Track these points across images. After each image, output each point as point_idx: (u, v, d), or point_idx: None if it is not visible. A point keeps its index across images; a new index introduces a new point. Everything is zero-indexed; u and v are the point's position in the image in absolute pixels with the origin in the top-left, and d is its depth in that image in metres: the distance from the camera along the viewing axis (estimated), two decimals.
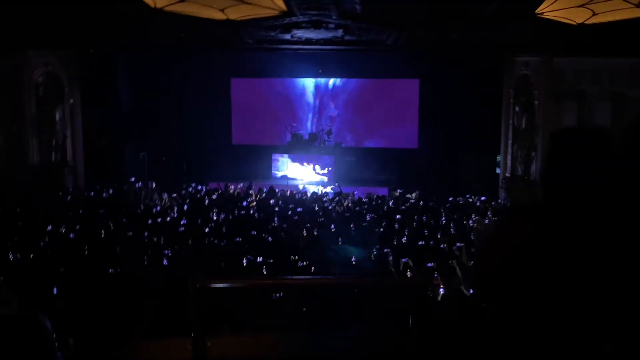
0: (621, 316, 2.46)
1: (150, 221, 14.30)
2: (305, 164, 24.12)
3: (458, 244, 11.48)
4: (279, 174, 24.26)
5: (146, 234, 12.91)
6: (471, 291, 7.53)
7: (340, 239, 12.68)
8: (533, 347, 2.52)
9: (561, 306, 2.47)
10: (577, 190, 2.50)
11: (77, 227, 13.53)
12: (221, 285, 3.60)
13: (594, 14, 8.97)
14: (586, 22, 9.26)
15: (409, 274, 9.60)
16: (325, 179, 23.63)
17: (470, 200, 18.12)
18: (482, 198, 18.32)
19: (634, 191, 2.50)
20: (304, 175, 24.01)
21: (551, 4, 8.97)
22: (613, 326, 2.46)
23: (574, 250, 2.45)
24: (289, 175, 23.90)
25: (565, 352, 2.48)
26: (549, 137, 2.66)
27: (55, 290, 8.75)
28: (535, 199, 2.67)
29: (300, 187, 22.38)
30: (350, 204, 17.11)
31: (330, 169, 23.96)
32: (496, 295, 2.77)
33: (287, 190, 19.72)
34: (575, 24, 9.35)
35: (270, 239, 12.65)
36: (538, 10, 9.44)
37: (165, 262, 10.32)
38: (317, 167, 24.08)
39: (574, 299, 2.45)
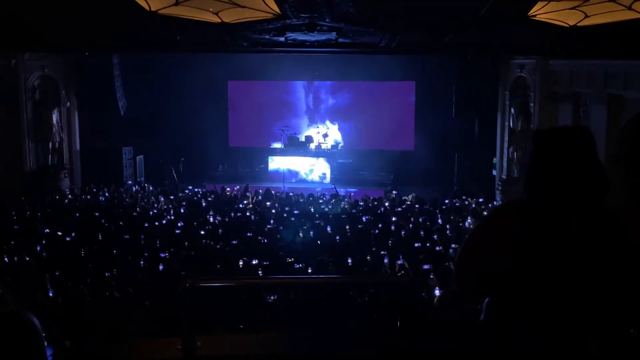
0: (606, 313, 2.48)
1: (146, 224, 14.32)
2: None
3: (454, 246, 11.50)
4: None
5: (142, 236, 12.94)
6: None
7: (338, 237, 12.75)
8: (524, 348, 2.55)
9: (547, 304, 2.49)
10: (559, 188, 2.53)
11: (74, 230, 13.55)
12: (211, 284, 3.62)
13: (586, 16, 9.03)
14: (578, 24, 9.31)
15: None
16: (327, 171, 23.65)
17: (467, 202, 18.14)
18: (479, 200, 18.34)
19: (616, 189, 2.53)
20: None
21: (544, 6, 9.02)
22: (598, 323, 2.49)
23: (557, 248, 2.48)
24: (282, 168, 23.80)
25: (555, 350, 2.50)
26: (531, 137, 2.70)
27: (51, 293, 8.78)
28: (519, 198, 2.70)
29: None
30: (346, 206, 17.14)
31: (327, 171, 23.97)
32: (478, 294, 2.80)
33: (283, 193, 19.75)
34: (567, 25, 9.40)
35: (265, 241, 12.69)
36: (531, 12, 9.48)
37: (161, 267, 10.34)
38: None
39: (559, 297, 2.47)
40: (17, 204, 16.50)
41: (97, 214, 15.48)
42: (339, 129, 25.42)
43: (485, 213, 15.53)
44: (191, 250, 11.71)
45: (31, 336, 2.26)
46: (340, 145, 25.33)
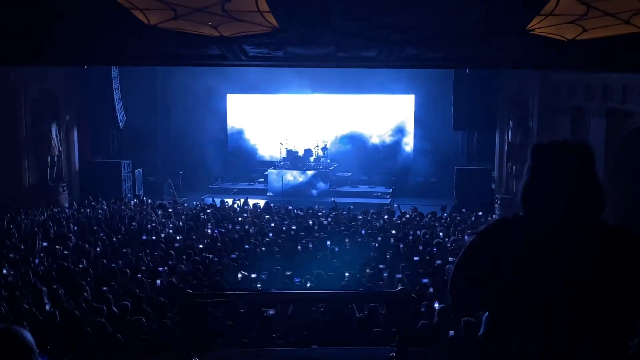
0: (602, 327, 2.47)
1: (145, 237, 14.30)
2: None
3: (453, 260, 11.46)
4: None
5: (141, 250, 12.91)
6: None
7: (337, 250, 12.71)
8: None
9: (541, 318, 2.48)
10: (556, 203, 2.52)
11: (72, 244, 13.53)
12: (209, 299, 3.61)
13: (585, 30, 9.04)
14: (577, 38, 9.32)
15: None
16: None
17: (466, 215, 18.12)
18: (478, 213, 18.32)
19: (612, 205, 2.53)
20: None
21: (542, 20, 9.03)
22: (594, 337, 2.48)
23: (553, 263, 2.47)
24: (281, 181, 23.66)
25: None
26: (529, 151, 2.69)
27: (48, 307, 8.74)
28: (514, 212, 2.69)
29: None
30: (345, 220, 17.10)
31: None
32: (474, 307, 2.79)
33: (282, 206, 19.71)
34: (565, 40, 9.41)
35: (265, 254, 12.66)
36: (529, 27, 9.49)
37: (158, 281, 10.30)
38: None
39: (554, 311, 2.46)
40: (16, 217, 16.47)
41: (95, 227, 15.45)
42: (334, 147, 25.45)
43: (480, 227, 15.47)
44: (190, 264, 11.69)
45: (23, 352, 2.25)
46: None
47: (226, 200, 20.23)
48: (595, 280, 2.44)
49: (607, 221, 2.55)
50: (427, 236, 14.43)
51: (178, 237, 14.35)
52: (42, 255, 12.39)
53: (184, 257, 12.37)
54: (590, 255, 2.46)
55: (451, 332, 7.41)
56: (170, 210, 18.55)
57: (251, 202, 20.03)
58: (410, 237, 14.32)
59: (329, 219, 17.00)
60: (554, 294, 2.45)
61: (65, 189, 21.05)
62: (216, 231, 15.08)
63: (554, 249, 2.48)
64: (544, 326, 2.47)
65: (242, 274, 10.69)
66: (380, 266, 11.42)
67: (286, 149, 24.91)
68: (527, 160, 2.68)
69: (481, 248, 2.65)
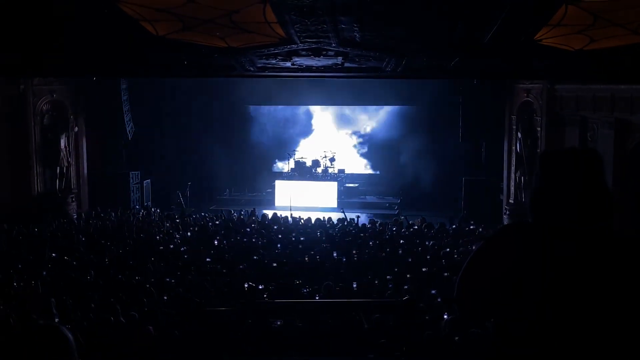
0: (608, 337, 2.46)
1: (153, 249, 14.30)
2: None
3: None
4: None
5: (149, 261, 12.91)
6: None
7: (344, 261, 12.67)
8: None
9: (548, 327, 2.47)
10: (564, 210, 2.52)
11: (80, 254, 13.55)
12: (217, 308, 3.62)
13: (592, 41, 9.05)
14: (585, 49, 9.33)
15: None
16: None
17: (474, 226, 18.06)
18: (487, 224, 18.25)
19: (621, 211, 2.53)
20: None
21: (550, 31, 9.04)
22: (601, 346, 2.46)
23: (560, 271, 2.46)
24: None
25: None
26: (538, 158, 2.69)
27: (57, 318, 8.75)
28: (523, 219, 2.69)
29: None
30: (353, 230, 17.07)
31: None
32: (480, 316, 2.77)
33: (290, 217, 19.69)
34: (573, 50, 9.43)
35: (274, 265, 12.63)
36: (537, 37, 9.51)
37: (166, 294, 10.29)
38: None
39: (560, 320, 2.45)
40: (25, 228, 16.51)
41: (103, 238, 15.46)
42: (342, 158, 25.48)
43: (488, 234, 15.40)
44: (197, 275, 11.67)
45: (65, 349, 2.30)
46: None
47: (234, 210, 20.26)
48: (601, 289, 2.43)
49: (616, 229, 2.54)
50: (435, 247, 14.39)
51: (186, 248, 14.34)
52: (50, 266, 12.41)
53: (192, 268, 12.35)
54: (596, 264, 2.45)
55: (459, 342, 7.37)
56: (178, 221, 18.56)
57: (259, 212, 20.03)
58: (418, 248, 14.28)
59: (337, 230, 16.98)
60: (559, 303, 2.44)
61: (74, 199, 21.12)
62: (224, 242, 15.07)
63: (562, 255, 2.47)
64: (548, 336, 2.46)
65: (250, 285, 10.65)
66: (388, 277, 11.39)
67: (294, 159, 24.94)
68: (536, 167, 2.67)
69: (489, 254, 2.64)
